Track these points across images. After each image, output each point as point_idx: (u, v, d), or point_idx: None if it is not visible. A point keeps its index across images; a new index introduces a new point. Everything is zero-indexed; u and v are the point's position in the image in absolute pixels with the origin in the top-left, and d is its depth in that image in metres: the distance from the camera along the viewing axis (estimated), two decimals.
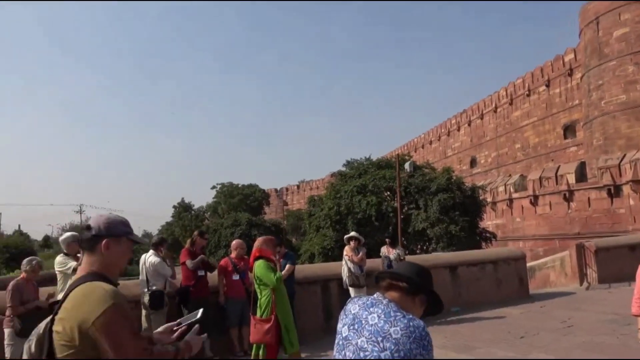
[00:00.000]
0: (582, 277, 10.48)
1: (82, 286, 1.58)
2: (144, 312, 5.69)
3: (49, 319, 1.61)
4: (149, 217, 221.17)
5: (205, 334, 1.93)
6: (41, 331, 1.62)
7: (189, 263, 6.04)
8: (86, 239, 1.70)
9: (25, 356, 1.64)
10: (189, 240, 6.56)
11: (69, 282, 1.82)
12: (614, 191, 27.00)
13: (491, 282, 8.94)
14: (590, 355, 5.21)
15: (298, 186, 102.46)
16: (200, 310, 1.92)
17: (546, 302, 8.74)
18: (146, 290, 5.70)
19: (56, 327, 1.54)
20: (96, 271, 1.65)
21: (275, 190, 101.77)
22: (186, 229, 55.89)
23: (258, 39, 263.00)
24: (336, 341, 1.76)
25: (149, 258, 5.88)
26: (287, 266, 6.22)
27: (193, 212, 62.69)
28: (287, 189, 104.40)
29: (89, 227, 1.71)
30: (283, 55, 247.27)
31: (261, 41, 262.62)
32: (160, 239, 6.36)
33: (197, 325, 1.85)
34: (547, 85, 44.33)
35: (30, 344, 1.63)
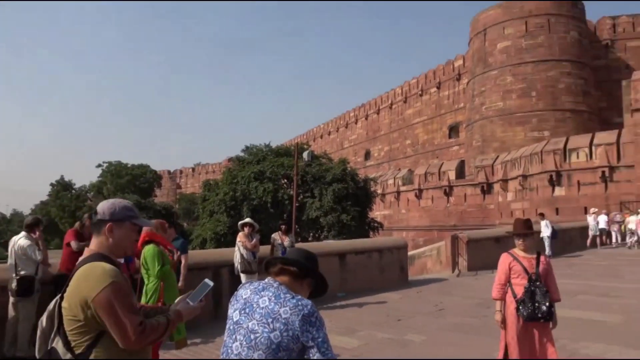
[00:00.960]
0: (454, 265, 11.57)
1: (86, 266, 1.73)
2: (11, 299, 5.17)
3: (58, 296, 1.76)
4: (18, 193, 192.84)
5: (202, 302, 1.95)
6: (51, 307, 1.79)
7: (74, 244, 5.57)
8: (93, 222, 1.85)
9: (38, 331, 1.80)
10: (78, 223, 6.07)
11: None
12: (487, 188, 30.02)
13: (376, 270, 9.50)
14: (458, 334, 5.82)
15: (193, 169, 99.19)
16: (206, 280, 1.99)
17: (422, 287, 9.52)
18: (14, 275, 5.17)
19: (63, 304, 1.71)
20: (100, 252, 1.79)
21: (169, 172, 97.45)
22: (65, 209, 51.42)
23: (162, 15, 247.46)
24: (227, 326, 1.78)
25: (19, 241, 5.33)
26: (183, 262, 5.83)
27: (74, 191, 57.70)
28: (181, 172, 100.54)
29: (95, 212, 1.86)
30: (185, 38, 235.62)
31: (165, 23, 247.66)
32: (35, 220, 5.76)
33: (191, 292, 1.94)
34: (438, 87, 47.73)
35: (42, 319, 1.80)
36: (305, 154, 23.44)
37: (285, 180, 25.06)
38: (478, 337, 5.65)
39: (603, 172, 22.73)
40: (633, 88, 22.84)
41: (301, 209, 23.52)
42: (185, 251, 6.01)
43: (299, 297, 1.72)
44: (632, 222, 16.86)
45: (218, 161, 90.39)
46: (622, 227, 18.14)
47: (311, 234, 24.44)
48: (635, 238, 16.70)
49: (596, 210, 17.97)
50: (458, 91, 44.89)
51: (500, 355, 3.76)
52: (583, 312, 6.97)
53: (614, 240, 18.25)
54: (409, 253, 11.79)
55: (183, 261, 5.75)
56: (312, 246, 10.50)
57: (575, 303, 7.56)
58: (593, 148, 23.51)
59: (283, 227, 8.45)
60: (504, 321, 3.71)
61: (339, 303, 7.92)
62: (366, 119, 60.92)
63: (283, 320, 1.64)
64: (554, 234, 13.88)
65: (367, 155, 60.27)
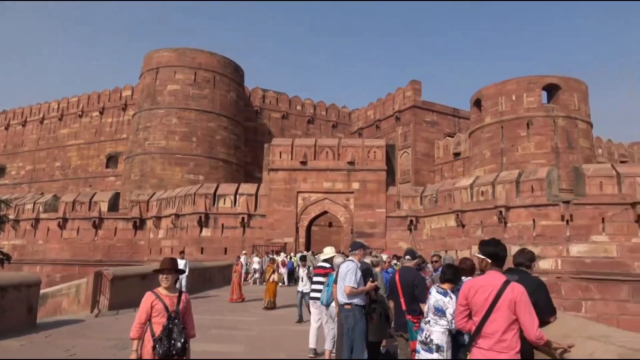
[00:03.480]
0: (94, 304, 10.75)
1: None
2: None
3: None
4: None
5: None
6: None
7: None
8: None
9: None
10: None
11: None
12: (139, 224, 29.66)
13: None
14: None
15: None
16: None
17: (53, 331, 8.42)
18: None
19: None
20: None
21: None
22: None
23: None
24: None
25: None
26: None
27: None
28: None
29: None
30: None
31: None
32: None
33: None
34: (101, 113, 45.13)
35: None
36: None
37: None
38: None
39: (243, 218, 26.14)
40: (272, 151, 27.64)
41: None
42: None
43: None
44: (255, 262, 20.73)
45: None
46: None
47: None
48: (258, 275, 20.35)
49: (245, 252, 21.39)
50: (122, 121, 43.66)
51: None
52: (213, 344, 7.63)
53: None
54: (42, 291, 10.29)
55: None
56: None
57: (208, 337, 8.21)
58: (237, 196, 26.84)
59: None
60: None
61: None
62: (6, 129, 51.33)
63: None
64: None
65: (1, 172, 50.40)
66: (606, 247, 17.65)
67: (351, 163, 26.46)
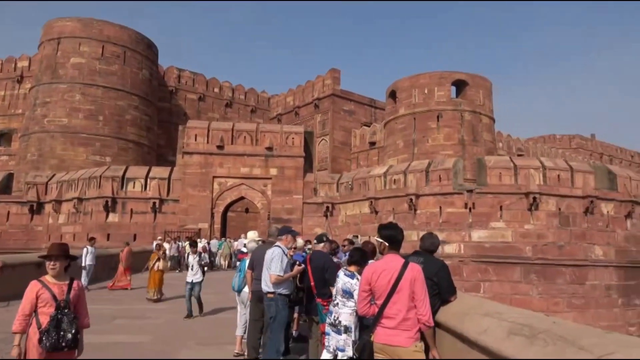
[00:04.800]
0: None
1: None
2: None
3: None
4: None
5: None
6: None
7: None
8: None
9: None
10: None
11: None
12: (37, 208, 27.27)
13: None
14: None
15: None
16: None
17: None
18: None
19: None
20: None
21: None
22: None
23: None
24: None
25: None
26: None
27: None
28: None
29: None
30: None
31: None
32: None
33: None
34: None
35: None
36: None
37: None
38: None
39: (154, 203, 24.94)
40: (187, 134, 26.57)
41: None
42: None
43: None
44: (166, 249, 19.86)
45: None
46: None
47: None
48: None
49: (161, 237, 20.89)
50: (17, 95, 39.58)
51: None
52: (118, 335, 7.19)
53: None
54: None
55: None
56: None
57: (112, 327, 7.73)
58: (148, 180, 25.53)
59: None
60: (23, 356, 3.33)
61: None
62: None
63: None
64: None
65: None
66: (503, 232, 19.18)
67: (269, 149, 26.24)
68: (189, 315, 9.02)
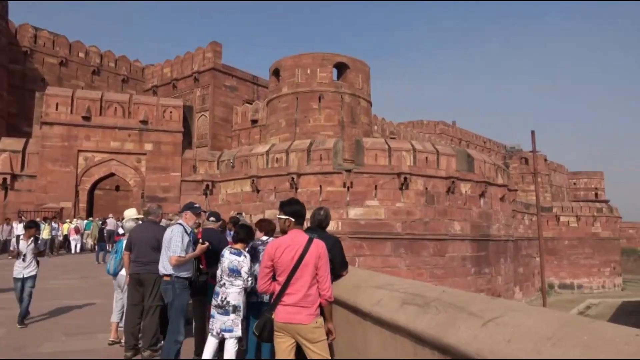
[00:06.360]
0: None
1: None
2: None
3: None
4: None
5: None
6: None
7: None
8: None
9: None
10: None
11: None
12: None
13: None
14: None
15: None
16: None
17: None
18: None
19: None
20: None
21: None
22: None
23: None
24: None
25: None
26: None
27: None
28: None
29: None
30: None
31: None
32: None
33: None
34: None
35: None
36: None
37: None
38: None
39: (5, 179, 21.90)
40: (46, 102, 23.62)
41: None
42: None
43: None
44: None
45: None
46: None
47: None
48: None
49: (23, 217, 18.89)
50: None
51: None
52: None
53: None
54: None
55: None
56: None
57: None
58: None
59: None
60: None
61: None
62: None
63: None
64: None
65: None
66: (377, 210, 20.41)
67: (144, 122, 24.51)
68: (21, 320, 6.72)
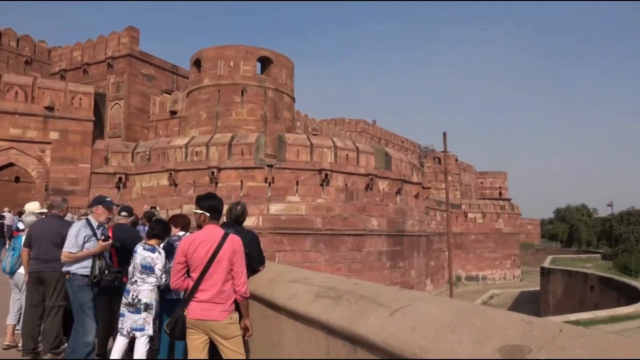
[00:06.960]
0: None
1: None
2: None
3: None
4: None
5: None
6: None
7: None
8: None
9: None
10: None
11: None
12: None
13: None
14: None
15: None
16: None
17: None
18: None
19: None
20: None
21: None
22: None
23: None
24: None
25: None
26: None
27: None
28: None
29: None
30: None
31: None
32: None
33: None
34: None
35: None
36: None
37: None
38: None
39: None
40: None
41: None
42: None
43: None
44: None
45: None
46: None
47: None
48: None
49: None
50: None
51: None
52: None
53: None
54: None
55: None
56: None
57: None
58: None
59: None
60: None
61: None
62: None
63: None
64: None
65: None
66: (298, 206, 20.55)
67: (50, 109, 22.69)
68: None
